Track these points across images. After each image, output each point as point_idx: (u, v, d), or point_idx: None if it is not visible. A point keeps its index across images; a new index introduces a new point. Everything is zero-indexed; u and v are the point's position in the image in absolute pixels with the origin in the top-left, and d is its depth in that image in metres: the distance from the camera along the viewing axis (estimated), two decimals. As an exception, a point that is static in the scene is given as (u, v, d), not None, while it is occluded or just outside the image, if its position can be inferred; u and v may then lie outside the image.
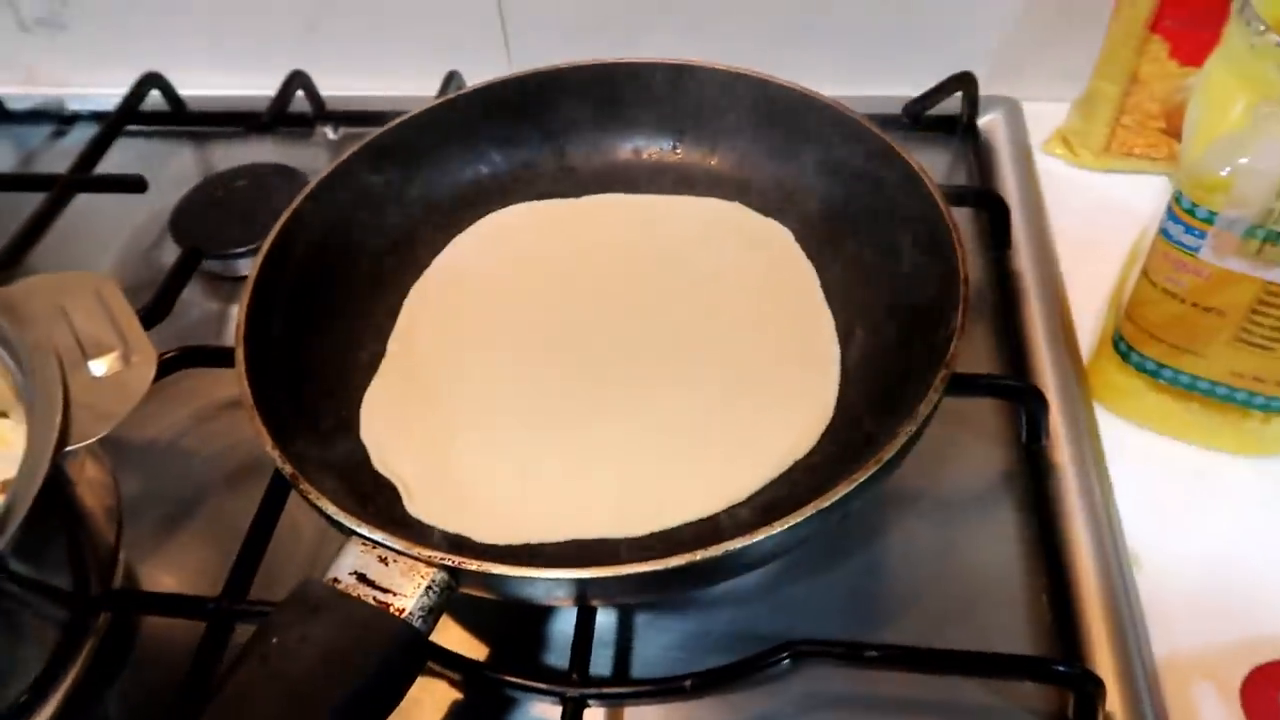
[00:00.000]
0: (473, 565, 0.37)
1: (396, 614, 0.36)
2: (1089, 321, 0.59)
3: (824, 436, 0.47)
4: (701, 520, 0.45)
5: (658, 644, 0.47)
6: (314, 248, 0.53)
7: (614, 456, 0.48)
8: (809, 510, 0.37)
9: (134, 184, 0.67)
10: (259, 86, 0.78)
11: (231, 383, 0.58)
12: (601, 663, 0.45)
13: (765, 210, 0.57)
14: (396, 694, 0.36)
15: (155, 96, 0.78)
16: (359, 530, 0.38)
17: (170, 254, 0.66)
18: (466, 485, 0.47)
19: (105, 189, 0.69)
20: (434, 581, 0.37)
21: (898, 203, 0.51)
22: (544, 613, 0.48)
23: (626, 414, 0.49)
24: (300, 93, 0.75)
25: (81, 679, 0.42)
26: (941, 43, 0.73)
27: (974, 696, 0.44)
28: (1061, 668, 0.42)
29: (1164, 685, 0.44)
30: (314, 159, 0.75)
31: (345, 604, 0.36)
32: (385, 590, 0.37)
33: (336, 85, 0.77)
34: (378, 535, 0.38)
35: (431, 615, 0.37)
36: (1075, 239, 0.64)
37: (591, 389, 0.51)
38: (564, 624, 0.47)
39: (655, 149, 0.60)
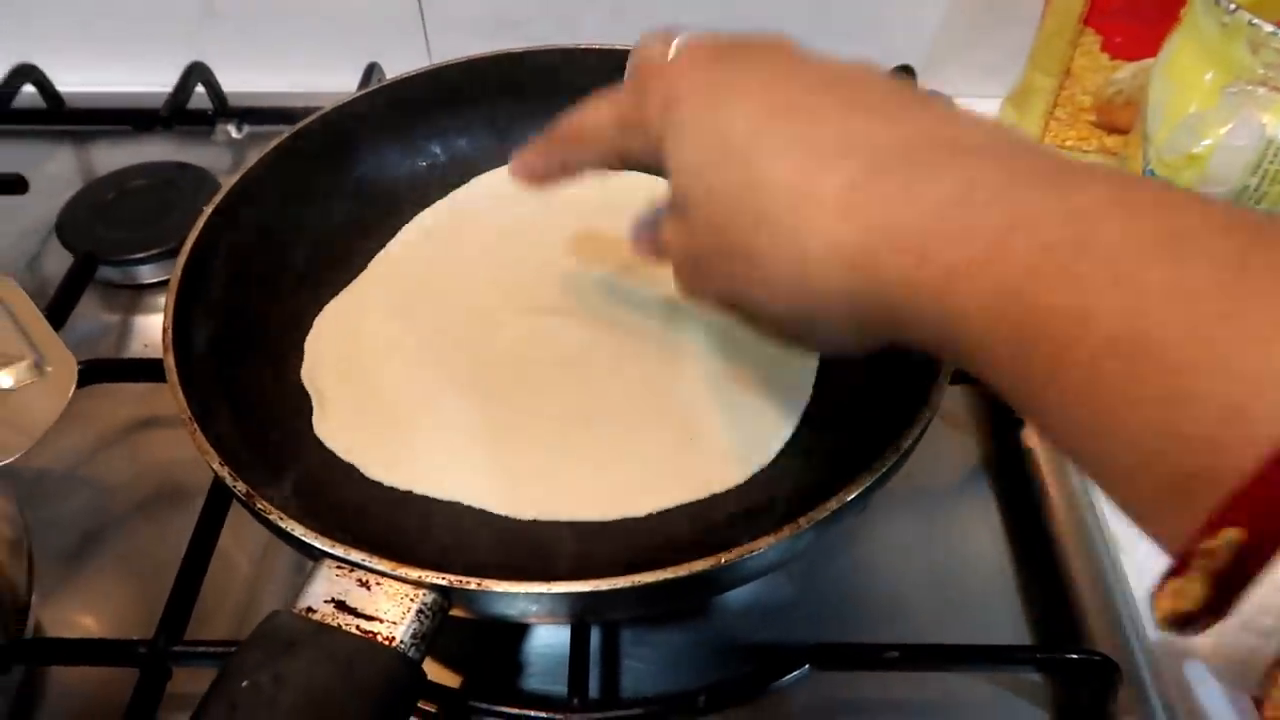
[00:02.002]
0: (472, 584, 0.33)
1: (386, 643, 0.32)
2: (1040, 310, 0.59)
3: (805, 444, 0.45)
4: (693, 504, 0.42)
5: (646, 662, 0.44)
6: (243, 245, 0.48)
7: (595, 437, 0.44)
8: (849, 494, 0.35)
9: (13, 184, 0.60)
10: (144, 82, 0.72)
11: (136, 402, 0.54)
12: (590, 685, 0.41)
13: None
14: (390, 736, 0.32)
15: (28, 92, 0.70)
16: (333, 552, 0.33)
17: (57, 262, 0.59)
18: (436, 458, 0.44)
19: (-22, 190, 0.61)
20: (425, 604, 0.33)
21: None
22: (518, 635, 0.44)
23: (605, 396, 0.46)
24: (199, 88, 0.69)
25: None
26: (872, 44, 0.72)
27: (980, 692, 0.43)
28: (1075, 655, 0.41)
29: (1163, 668, 0.43)
30: (215, 160, 0.68)
31: (325, 636, 0.32)
32: (370, 617, 0.32)
33: (238, 79, 0.71)
34: (356, 555, 0.33)
35: (424, 642, 0.32)
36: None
37: (567, 371, 0.47)
38: (540, 645, 0.44)
39: (609, 139, 0.57)
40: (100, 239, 0.58)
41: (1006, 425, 0.51)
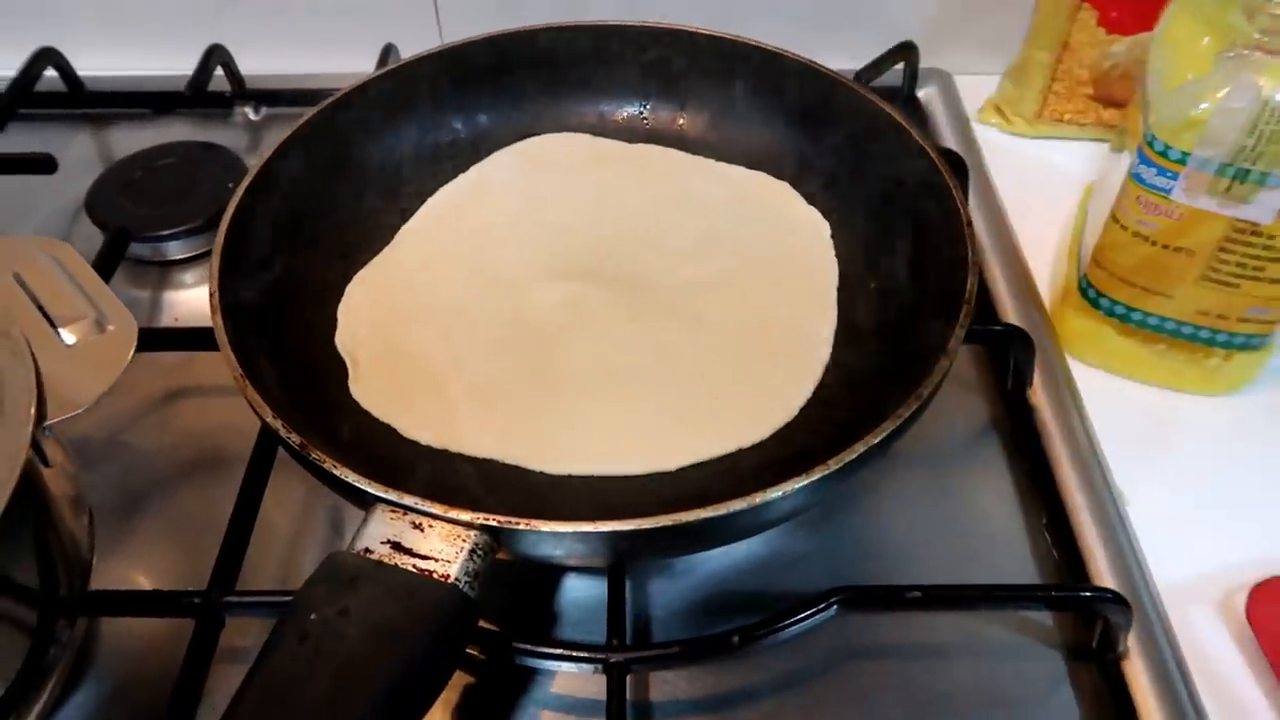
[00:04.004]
0: (521, 524, 0.34)
1: (442, 579, 0.33)
2: (1041, 276, 0.61)
3: (825, 398, 0.47)
4: (720, 460, 0.44)
5: (675, 614, 0.45)
6: (278, 216, 0.49)
7: (624, 397, 0.47)
8: (875, 438, 0.37)
9: (42, 164, 0.61)
10: (161, 67, 0.73)
11: (170, 374, 0.55)
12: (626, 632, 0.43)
13: (742, 170, 0.57)
14: (450, 667, 0.34)
15: (49, 76, 0.71)
16: (387, 497, 0.35)
17: (85, 241, 0.60)
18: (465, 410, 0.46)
19: (8, 170, 0.62)
20: (477, 544, 0.34)
21: (880, 155, 0.51)
22: (551, 590, 0.46)
23: (632, 357, 0.48)
24: (218, 71, 0.70)
25: (53, 698, 0.37)
26: (874, 21, 0.74)
27: (993, 636, 0.45)
28: (1087, 593, 0.43)
29: (1168, 610, 0.45)
30: (234, 141, 0.70)
31: (384, 574, 0.33)
32: (426, 557, 0.34)
33: (254, 64, 0.73)
34: (410, 500, 0.35)
35: (478, 580, 0.34)
36: (1016, 201, 0.66)
37: (594, 334, 0.49)
38: (572, 599, 0.45)
39: (623, 112, 0.59)
40: (131, 216, 0.59)
41: (1014, 385, 0.53)
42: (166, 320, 0.59)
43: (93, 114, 0.73)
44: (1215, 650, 0.45)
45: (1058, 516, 0.48)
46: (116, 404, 0.53)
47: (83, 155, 0.70)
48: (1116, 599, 0.41)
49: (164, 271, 0.61)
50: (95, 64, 0.73)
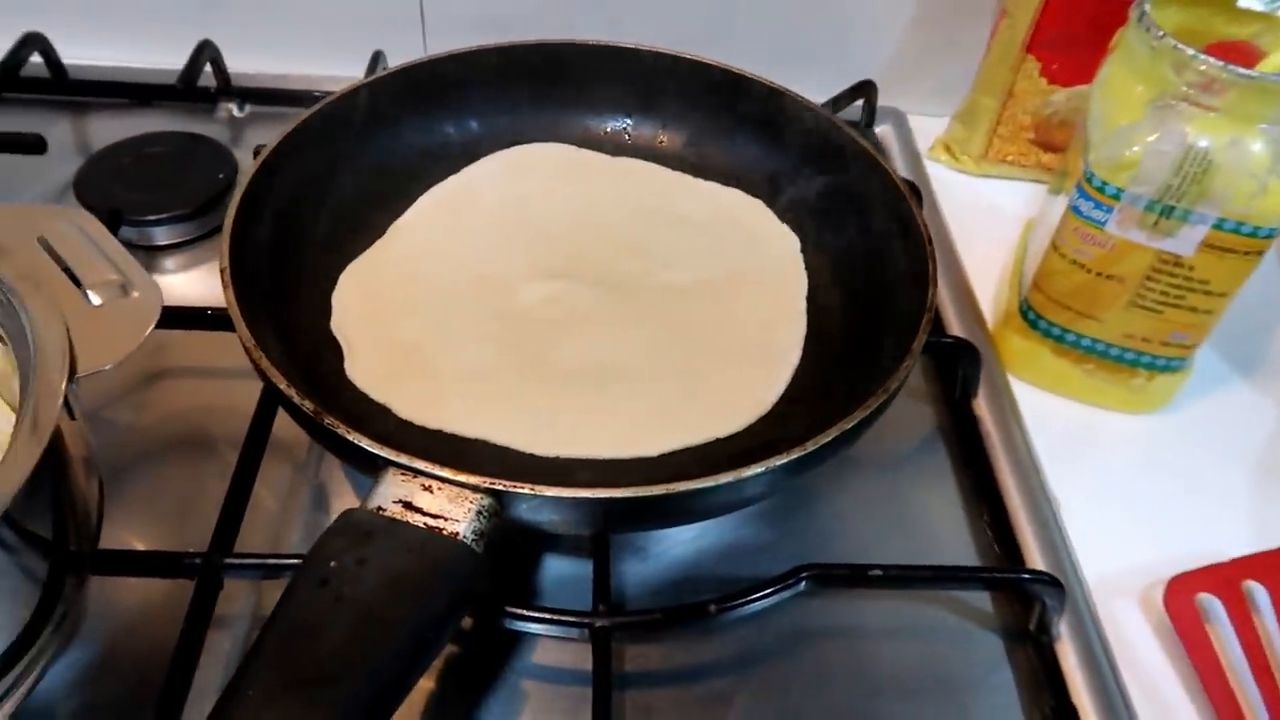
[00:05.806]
0: (525, 488, 0.37)
1: (452, 537, 0.36)
2: (983, 301, 0.66)
3: (795, 398, 0.51)
4: (699, 448, 0.47)
5: (642, 591, 0.48)
6: (277, 207, 0.51)
7: (609, 388, 0.50)
8: (847, 424, 0.40)
9: (32, 144, 0.62)
10: (143, 60, 0.74)
11: (148, 355, 0.56)
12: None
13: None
14: (458, 617, 0.36)
15: (33, 62, 0.72)
16: (399, 460, 0.38)
17: (72, 222, 0.61)
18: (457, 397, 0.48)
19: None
20: (483, 507, 0.37)
21: (848, 179, 0.56)
22: (531, 557, 0.48)
23: (615, 352, 0.51)
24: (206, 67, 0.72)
25: (54, 652, 0.38)
26: (836, 65, 0.79)
27: (939, 618, 0.49)
28: (1027, 575, 0.47)
29: (1095, 600, 0.50)
30: (216, 136, 0.71)
31: (398, 529, 0.36)
32: (436, 516, 0.36)
33: (237, 62, 0.75)
34: (420, 464, 0.37)
35: (483, 540, 0.37)
36: (960, 232, 0.71)
37: (579, 328, 0.53)
38: (552, 569, 0.48)
39: (608, 127, 0.62)
40: (121, 200, 0.61)
41: (961, 395, 0.58)
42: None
43: (73, 102, 0.74)
44: (1136, 636, 0.49)
45: (998, 515, 0.53)
46: (97, 381, 0.54)
47: (62, 141, 0.71)
48: (1053, 581, 0.45)
49: (148, 256, 0.62)
50: (80, 54, 0.74)
